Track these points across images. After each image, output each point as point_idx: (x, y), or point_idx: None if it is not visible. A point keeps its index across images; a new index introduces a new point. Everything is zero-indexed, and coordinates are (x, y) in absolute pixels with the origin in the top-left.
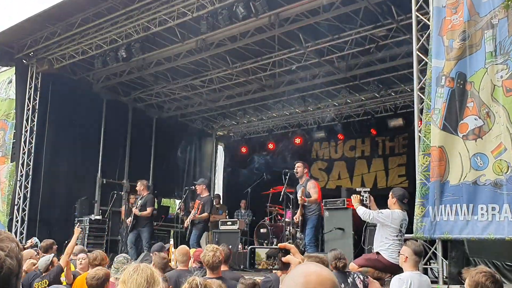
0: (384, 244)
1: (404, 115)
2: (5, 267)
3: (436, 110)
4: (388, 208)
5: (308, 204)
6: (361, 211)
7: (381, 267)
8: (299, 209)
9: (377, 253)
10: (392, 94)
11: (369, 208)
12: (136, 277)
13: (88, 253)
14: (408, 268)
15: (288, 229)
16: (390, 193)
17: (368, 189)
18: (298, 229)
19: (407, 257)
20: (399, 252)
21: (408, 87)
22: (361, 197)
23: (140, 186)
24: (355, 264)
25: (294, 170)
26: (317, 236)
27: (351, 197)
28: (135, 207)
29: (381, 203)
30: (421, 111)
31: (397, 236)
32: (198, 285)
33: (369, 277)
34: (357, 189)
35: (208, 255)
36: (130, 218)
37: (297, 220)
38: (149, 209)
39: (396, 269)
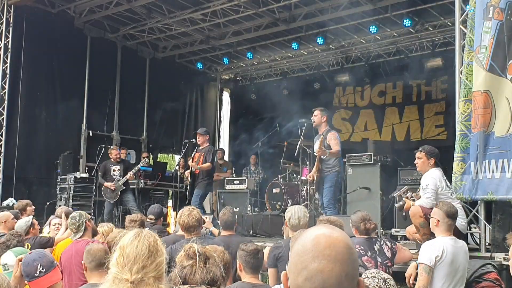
0: None
1: (443, 54)
2: None
3: (483, 48)
4: (421, 172)
5: (326, 159)
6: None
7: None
8: (316, 163)
9: None
10: (430, 29)
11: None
12: (137, 244)
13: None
14: (440, 233)
15: (304, 189)
16: (422, 152)
17: (407, 187)
18: (313, 188)
19: (438, 220)
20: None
21: (448, 21)
22: (408, 197)
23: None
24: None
25: (311, 119)
26: (337, 196)
27: (407, 210)
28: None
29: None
30: (463, 48)
31: (452, 195)
32: (196, 252)
33: (397, 243)
34: (396, 195)
35: (184, 215)
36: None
37: (312, 177)
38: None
39: (459, 236)
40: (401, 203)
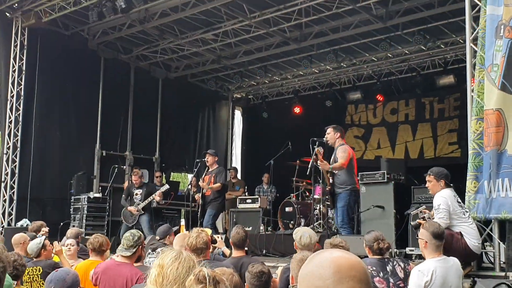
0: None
1: (455, 71)
2: None
3: (495, 67)
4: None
5: (337, 174)
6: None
7: (459, 251)
8: (327, 178)
9: (461, 234)
10: (441, 46)
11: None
12: (178, 266)
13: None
14: (429, 255)
15: (317, 207)
16: (430, 175)
17: (424, 207)
18: (329, 204)
19: (426, 241)
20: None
21: (460, 38)
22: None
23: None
24: None
25: (324, 138)
26: (351, 216)
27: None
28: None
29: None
30: (474, 66)
31: (464, 214)
32: (206, 276)
33: (410, 264)
34: (413, 213)
35: (192, 237)
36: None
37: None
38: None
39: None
40: (416, 222)
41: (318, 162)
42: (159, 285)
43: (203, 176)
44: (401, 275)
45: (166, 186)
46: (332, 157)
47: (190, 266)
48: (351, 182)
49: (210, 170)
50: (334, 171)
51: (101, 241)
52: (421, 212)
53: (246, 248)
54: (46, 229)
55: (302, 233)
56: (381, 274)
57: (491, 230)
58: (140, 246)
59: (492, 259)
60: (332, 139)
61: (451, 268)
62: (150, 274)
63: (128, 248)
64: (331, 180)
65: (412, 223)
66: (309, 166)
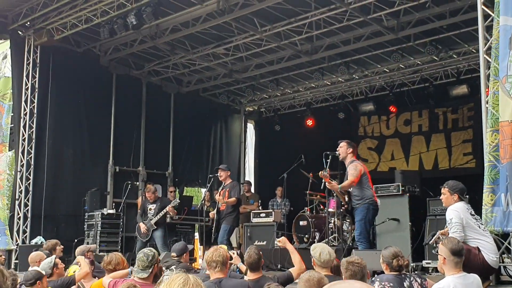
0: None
1: (468, 81)
2: None
3: (509, 78)
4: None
5: (353, 191)
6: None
7: (477, 267)
8: (341, 197)
9: (478, 249)
10: (454, 56)
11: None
12: None
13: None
14: (448, 272)
15: (332, 221)
16: (445, 188)
17: (439, 232)
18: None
19: (444, 258)
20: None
21: (473, 48)
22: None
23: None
24: None
25: (336, 151)
26: (369, 230)
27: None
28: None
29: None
30: (488, 77)
31: (479, 227)
32: None
33: (427, 280)
34: (431, 242)
35: (209, 254)
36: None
37: (343, 209)
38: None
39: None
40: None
41: (327, 185)
42: None
43: (219, 190)
44: None
45: (177, 201)
46: (346, 175)
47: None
48: (367, 195)
49: (224, 184)
50: (347, 190)
51: (116, 261)
52: (439, 237)
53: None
54: (60, 247)
55: (322, 250)
56: None
57: (509, 243)
58: (156, 264)
59: (510, 273)
60: (344, 153)
61: (471, 285)
62: None
63: (144, 269)
64: (346, 199)
65: (434, 251)
66: (323, 180)
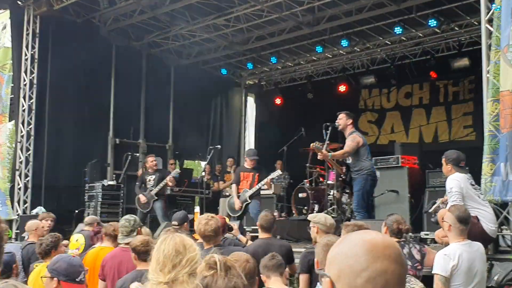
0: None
1: (470, 53)
2: None
3: (511, 47)
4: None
5: (351, 162)
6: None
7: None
8: (337, 168)
9: (477, 218)
10: (456, 28)
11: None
12: (164, 247)
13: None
14: (453, 239)
15: (331, 193)
16: (443, 158)
17: (440, 200)
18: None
19: (450, 225)
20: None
21: (474, 20)
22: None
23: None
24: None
25: (336, 122)
26: (367, 201)
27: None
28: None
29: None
30: (489, 47)
31: (479, 197)
32: (216, 262)
33: (425, 246)
34: (432, 210)
35: (201, 223)
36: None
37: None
38: None
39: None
40: (436, 217)
41: (318, 156)
42: (154, 271)
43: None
44: (417, 257)
45: (177, 171)
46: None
47: (176, 242)
48: (365, 166)
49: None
50: (345, 161)
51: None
52: (439, 206)
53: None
54: (48, 222)
55: (324, 216)
56: None
57: (508, 213)
58: (140, 228)
59: (509, 242)
60: (343, 125)
61: (477, 253)
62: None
63: (129, 234)
64: (344, 170)
65: (432, 219)
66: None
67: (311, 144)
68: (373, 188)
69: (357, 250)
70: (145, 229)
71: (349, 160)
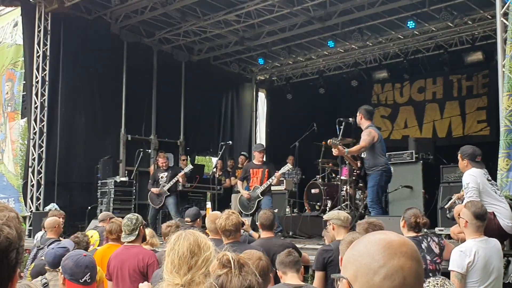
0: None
1: (484, 47)
2: (3, 236)
3: None
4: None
5: (366, 159)
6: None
7: (492, 232)
8: (352, 163)
9: (494, 214)
10: (469, 22)
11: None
12: (177, 248)
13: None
14: (469, 235)
15: (344, 189)
16: (458, 153)
17: (456, 196)
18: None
19: (467, 221)
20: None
21: (488, 14)
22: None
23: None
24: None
25: (350, 118)
26: (381, 197)
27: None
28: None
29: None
30: (505, 41)
31: (496, 192)
32: (230, 260)
33: (444, 239)
34: (447, 206)
35: (221, 218)
36: None
37: (356, 175)
38: None
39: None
40: (452, 213)
41: (334, 152)
42: (170, 272)
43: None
44: (436, 250)
45: (190, 167)
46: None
47: (190, 242)
48: (380, 162)
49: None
50: (359, 156)
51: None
52: (455, 202)
53: (275, 229)
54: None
55: (337, 211)
56: None
57: None
58: (141, 226)
59: None
60: (360, 120)
61: (493, 249)
62: (164, 265)
63: (131, 233)
64: (359, 164)
65: (448, 215)
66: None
67: (328, 141)
68: (387, 184)
69: (373, 248)
70: (149, 230)
71: (364, 154)
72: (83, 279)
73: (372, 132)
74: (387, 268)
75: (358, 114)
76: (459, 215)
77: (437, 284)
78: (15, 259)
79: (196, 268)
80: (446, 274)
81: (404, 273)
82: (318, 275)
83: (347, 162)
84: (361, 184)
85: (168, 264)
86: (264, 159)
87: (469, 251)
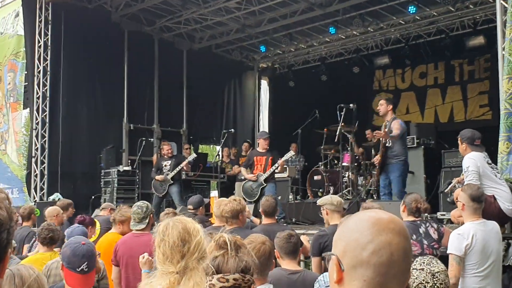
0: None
1: (485, 31)
2: None
3: None
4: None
5: (391, 146)
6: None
7: (493, 215)
8: (380, 149)
9: (494, 197)
10: (470, 6)
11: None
12: (167, 239)
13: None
14: (467, 218)
15: (346, 175)
16: (458, 138)
17: (456, 180)
18: (374, 173)
19: (464, 204)
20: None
21: None
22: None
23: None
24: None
25: (377, 108)
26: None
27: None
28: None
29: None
30: (504, 24)
31: (496, 176)
32: (226, 242)
33: (444, 226)
34: (447, 190)
35: (222, 204)
36: None
37: (377, 161)
38: None
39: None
40: (452, 196)
41: (376, 135)
42: (163, 262)
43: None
44: (434, 236)
45: (193, 155)
46: (387, 129)
47: (179, 231)
48: (405, 152)
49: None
50: (389, 142)
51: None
52: (455, 186)
53: (276, 217)
54: (72, 210)
55: (330, 196)
56: (414, 237)
57: None
58: (151, 215)
59: None
60: (385, 111)
61: (491, 232)
62: (156, 255)
63: (141, 221)
64: (384, 153)
65: (448, 199)
66: (337, 133)
67: (374, 132)
68: (406, 176)
69: (362, 225)
70: None
71: (389, 144)
72: (79, 268)
73: (402, 124)
74: (375, 244)
75: (385, 104)
76: (457, 198)
77: (424, 262)
78: (6, 240)
79: (189, 254)
80: (445, 258)
81: (392, 248)
82: (315, 260)
83: (349, 148)
84: (374, 172)
85: (160, 255)
86: (268, 147)
87: (467, 234)
